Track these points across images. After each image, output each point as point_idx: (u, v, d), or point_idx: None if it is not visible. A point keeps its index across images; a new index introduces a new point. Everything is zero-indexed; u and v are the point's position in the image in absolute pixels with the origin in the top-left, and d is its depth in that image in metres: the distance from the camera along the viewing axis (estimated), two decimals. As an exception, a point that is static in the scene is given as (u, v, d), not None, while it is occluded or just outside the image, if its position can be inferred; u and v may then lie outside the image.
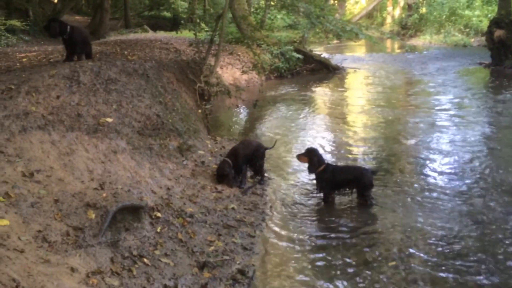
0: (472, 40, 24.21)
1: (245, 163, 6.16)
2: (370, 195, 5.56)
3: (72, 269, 3.37)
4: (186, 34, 16.00)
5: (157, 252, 4.12)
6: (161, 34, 17.55)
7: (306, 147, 6.09)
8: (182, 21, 21.42)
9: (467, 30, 25.13)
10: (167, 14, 26.18)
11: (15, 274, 2.94)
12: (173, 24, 23.42)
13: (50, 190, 4.12)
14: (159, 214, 4.71)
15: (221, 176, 6.02)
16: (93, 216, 4.03)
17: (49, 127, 4.92)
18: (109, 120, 5.68)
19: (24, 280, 2.94)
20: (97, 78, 6.34)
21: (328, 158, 6.80)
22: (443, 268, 4.20)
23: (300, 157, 5.91)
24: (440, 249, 4.51)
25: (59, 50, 8.80)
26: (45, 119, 5.00)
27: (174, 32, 18.21)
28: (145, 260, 3.94)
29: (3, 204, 3.62)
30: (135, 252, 3.98)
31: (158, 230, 4.48)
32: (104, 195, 4.41)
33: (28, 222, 3.62)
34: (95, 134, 5.33)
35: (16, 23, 14.77)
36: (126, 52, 8.88)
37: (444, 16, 26.82)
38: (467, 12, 25.94)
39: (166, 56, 9.84)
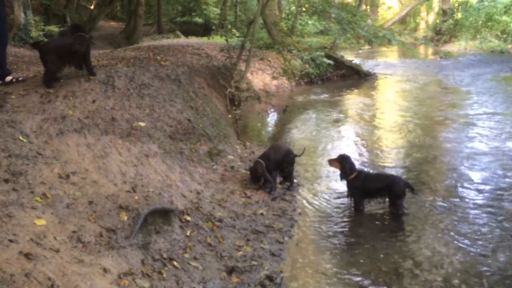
0: (510, 46, 23.47)
1: (275, 169, 6.15)
2: (402, 204, 5.44)
3: (105, 270, 3.45)
4: (218, 40, 16.15)
5: (186, 255, 4.17)
6: (193, 40, 17.74)
7: (338, 154, 6.00)
8: (213, 27, 21.64)
9: (504, 36, 24.38)
10: (199, 20, 26.48)
11: (51, 273, 3.03)
12: (205, 30, 23.66)
13: (85, 191, 4.24)
14: (188, 218, 4.77)
15: (255, 178, 6.02)
16: (125, 218, 4.12)
17: (85, 131, 5.07)
18: (142, 124, 5.80)
19: (59, 279, 3.03)
20: (131, 83, 6.50)
21: (357, 167, 6.69)
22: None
23: (331, 162, 5.87)
24: (479, 269, 4.37)
25: (94, 55, 9.03)
26: (81, 123, 5.15)
27: (205, 38, 18.37)
28: (175, 263, 3.99)
29: (40, 205, 3.75)
30: (165, 255, 4.04)
31: (188, 233, 4.53)
32: (136, 197, 4.50)
33: (63, 222, 3.73)
34: (128, 137, 5.45)
35: (54, 28, 15.24)
36: (159, 57, 9.03)
37: (480, 22, 26.11)
38: (504, 17, 25.15)
39: (198, 61, 9.95)
